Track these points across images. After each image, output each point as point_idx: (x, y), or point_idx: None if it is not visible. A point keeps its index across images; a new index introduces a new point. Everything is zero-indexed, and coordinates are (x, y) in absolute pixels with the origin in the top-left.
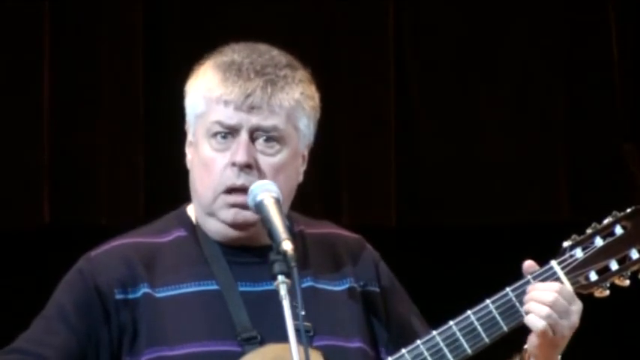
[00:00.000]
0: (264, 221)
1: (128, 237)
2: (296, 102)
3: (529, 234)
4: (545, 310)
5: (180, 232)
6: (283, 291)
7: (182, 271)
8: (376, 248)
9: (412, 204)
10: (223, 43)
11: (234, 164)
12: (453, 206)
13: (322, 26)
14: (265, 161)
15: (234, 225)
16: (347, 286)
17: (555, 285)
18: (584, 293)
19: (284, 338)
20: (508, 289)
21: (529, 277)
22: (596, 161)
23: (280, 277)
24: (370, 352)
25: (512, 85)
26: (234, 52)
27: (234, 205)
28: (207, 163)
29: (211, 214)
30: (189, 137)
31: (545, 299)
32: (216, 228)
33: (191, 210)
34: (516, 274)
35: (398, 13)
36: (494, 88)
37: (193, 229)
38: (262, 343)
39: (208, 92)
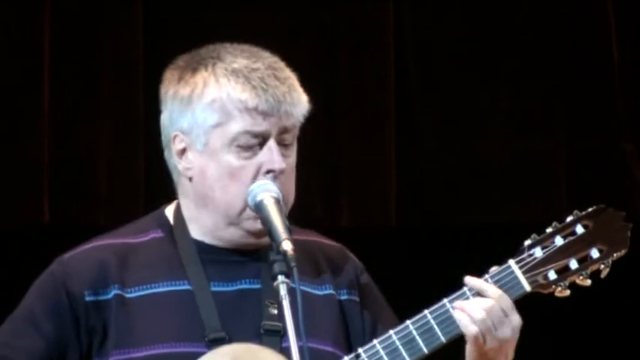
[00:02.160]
0: (264, 221)
1: (103, 239)
2: (307, 103)
3: (529, 234)
4: (481, 314)
5: (157, 234)
6: (283, 291)
7: (155, 271)
8: (376, 248)
9: (412, 204)
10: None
11: (269, 171)
12: (453, 206)
13: (322, 27)
14: (287, 164)
15: (257, 234)
16: (327, 292)
17: (494, 295)
18: (544, 293)
19: (253, 339)
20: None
21: (465, 289)
22: (596, 161)
23: (280, 277)
24: (342, 358)
25: (512, 85)
26: (237, 57)
27: None
28: (234, 173)
29: (234, 223)
30: (197, 147)
31: (483, 305)
32: (233, 237)
33: (169, 211)
34: None
35: (398, 14)
36: (494, 88)
37: (170, 231)
38: (230, 343)
39: (238, 104)
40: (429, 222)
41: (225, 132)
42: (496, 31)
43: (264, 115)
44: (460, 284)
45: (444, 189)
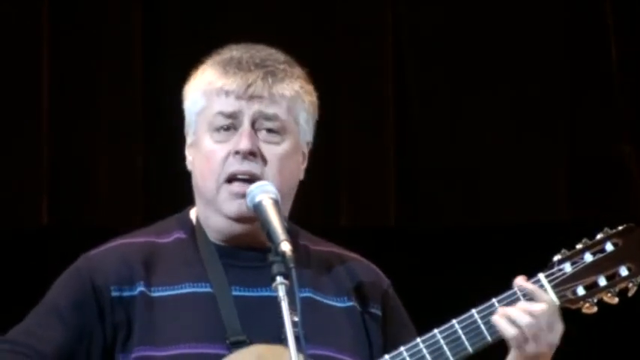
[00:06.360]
0: (263, 222)
1: (128, 237)
2: (296, 93)
3: (529, 234)
4: (526, 319)
5: (180, 234)
6: (282, 292)
7: (178, 272)
8: (375, 248)
9: (411, 204)
10: (223, 44)
11: (237, 152)
12: (453, 206)
13: (322, 27)
14: (269, 150)
15: (239, 219)
16: (348, 304)
17: (547, 300)
18: (572, 308)
19: (273, 344)
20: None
21: (494, 300)
22: (596, 161)
23: (279, 278)
24: None
25: (512, 86)
26: (232, 51)
27: (237, 196)
28: (208, 155)
29: (216, 209)
30: (191, 139)
31: (534, 308)
32: (219, 225)
33: (193, 213)
34: (516, 274)
35: (397, 14)
36: (494, 88)
37: (192, 232)
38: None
39: (209, 85)
40: (429, 222)
41: (205, 116)
42: (496, 31)
43: (233, 95)
44: (459, 284)
45: (444, 189)
